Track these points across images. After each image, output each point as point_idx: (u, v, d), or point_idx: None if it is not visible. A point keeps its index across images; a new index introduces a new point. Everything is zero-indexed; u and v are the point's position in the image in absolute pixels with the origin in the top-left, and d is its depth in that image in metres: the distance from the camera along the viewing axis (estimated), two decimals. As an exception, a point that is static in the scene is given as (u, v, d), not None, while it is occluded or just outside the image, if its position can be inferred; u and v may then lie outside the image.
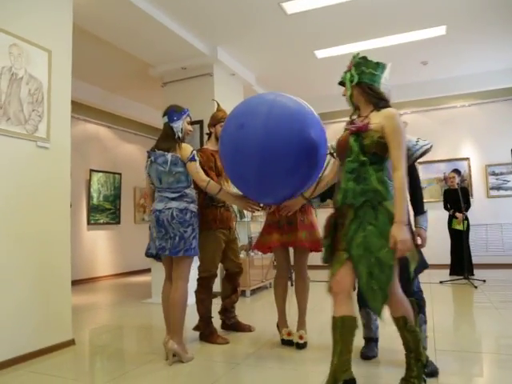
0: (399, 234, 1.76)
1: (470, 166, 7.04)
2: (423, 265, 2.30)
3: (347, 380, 1.80)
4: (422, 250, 2.35)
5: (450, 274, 5.87)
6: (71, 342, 3.07)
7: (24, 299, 2.76)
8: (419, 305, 2.23)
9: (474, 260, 5.96)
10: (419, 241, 2.39)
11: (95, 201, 7.23)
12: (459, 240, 5.83)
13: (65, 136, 3.19)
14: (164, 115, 2.76)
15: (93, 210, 7.17)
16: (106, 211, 7.46)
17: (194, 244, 2.63)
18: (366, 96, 2.01)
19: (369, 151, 1.89)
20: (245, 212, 4.98)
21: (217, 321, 3.33)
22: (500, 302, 4.18)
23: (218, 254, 3.12)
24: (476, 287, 4.98)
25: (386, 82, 2.31)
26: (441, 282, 5.32)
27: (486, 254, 6.71)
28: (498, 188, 6.89)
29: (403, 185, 1.81)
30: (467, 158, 7.05)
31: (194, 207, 2.68)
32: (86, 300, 5.19)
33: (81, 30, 4.20)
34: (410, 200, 2.43)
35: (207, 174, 2.86)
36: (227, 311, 3.38)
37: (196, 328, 3.17)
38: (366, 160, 1.90)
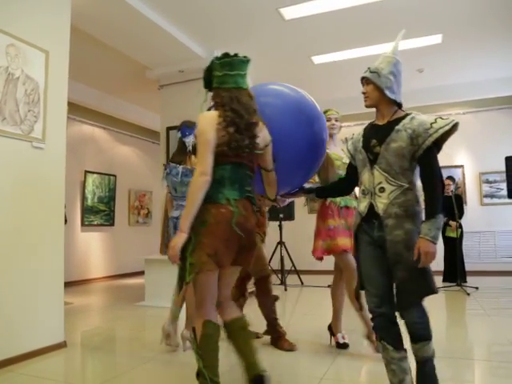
0: (172, 240, 1.73)
1: (464, 174, 7.09)
2: (422, 290, 1.80)
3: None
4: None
5: (443, 281, 5.88)
6: (63, 345, 3.04)
7: (16, 300, 2.73)
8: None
9: (467, 267, 5.99)
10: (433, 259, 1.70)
11: (89, 202, 7.19)
12: (452, 247, 5.86)
13: (60, 137, 3.18)
14: (178, 130, 3.05)
15: (87, 211, 7.14)
16: (100, 213, 7.42)
17: None
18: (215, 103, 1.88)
19: None
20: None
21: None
22: (492, 309, 4.20)
23: (262, 253, 3.16)
24: (469, 294, 5.00)
25: (393, 55, 2.07)
26: (434, 289, 5.33)
27: (479, 261, 6.76)
28: (492, 196, 6.95)
29: (191, 191, 1.71)
30: (461, 166, 7.10)
31: None
32: (79, 302, 5.15)
33: (78, 30, 4.19)
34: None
35: None
36: None
37: (265, 332, 3.08)
38: None
